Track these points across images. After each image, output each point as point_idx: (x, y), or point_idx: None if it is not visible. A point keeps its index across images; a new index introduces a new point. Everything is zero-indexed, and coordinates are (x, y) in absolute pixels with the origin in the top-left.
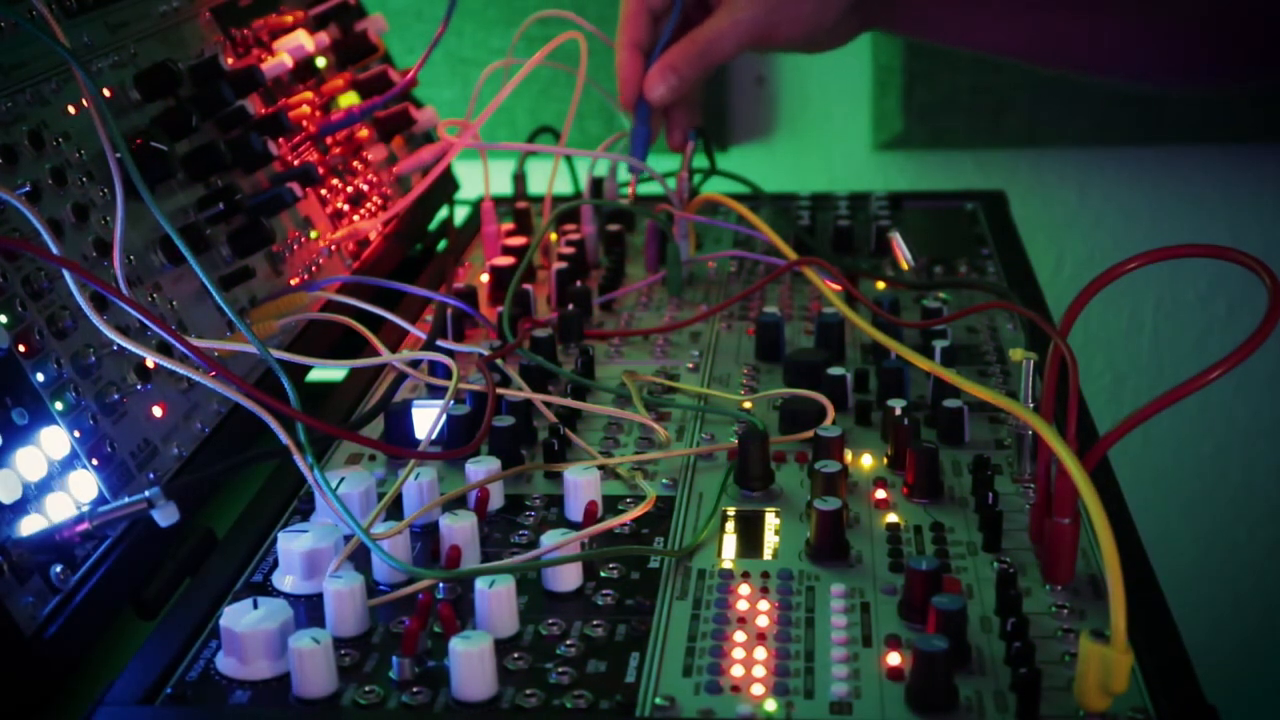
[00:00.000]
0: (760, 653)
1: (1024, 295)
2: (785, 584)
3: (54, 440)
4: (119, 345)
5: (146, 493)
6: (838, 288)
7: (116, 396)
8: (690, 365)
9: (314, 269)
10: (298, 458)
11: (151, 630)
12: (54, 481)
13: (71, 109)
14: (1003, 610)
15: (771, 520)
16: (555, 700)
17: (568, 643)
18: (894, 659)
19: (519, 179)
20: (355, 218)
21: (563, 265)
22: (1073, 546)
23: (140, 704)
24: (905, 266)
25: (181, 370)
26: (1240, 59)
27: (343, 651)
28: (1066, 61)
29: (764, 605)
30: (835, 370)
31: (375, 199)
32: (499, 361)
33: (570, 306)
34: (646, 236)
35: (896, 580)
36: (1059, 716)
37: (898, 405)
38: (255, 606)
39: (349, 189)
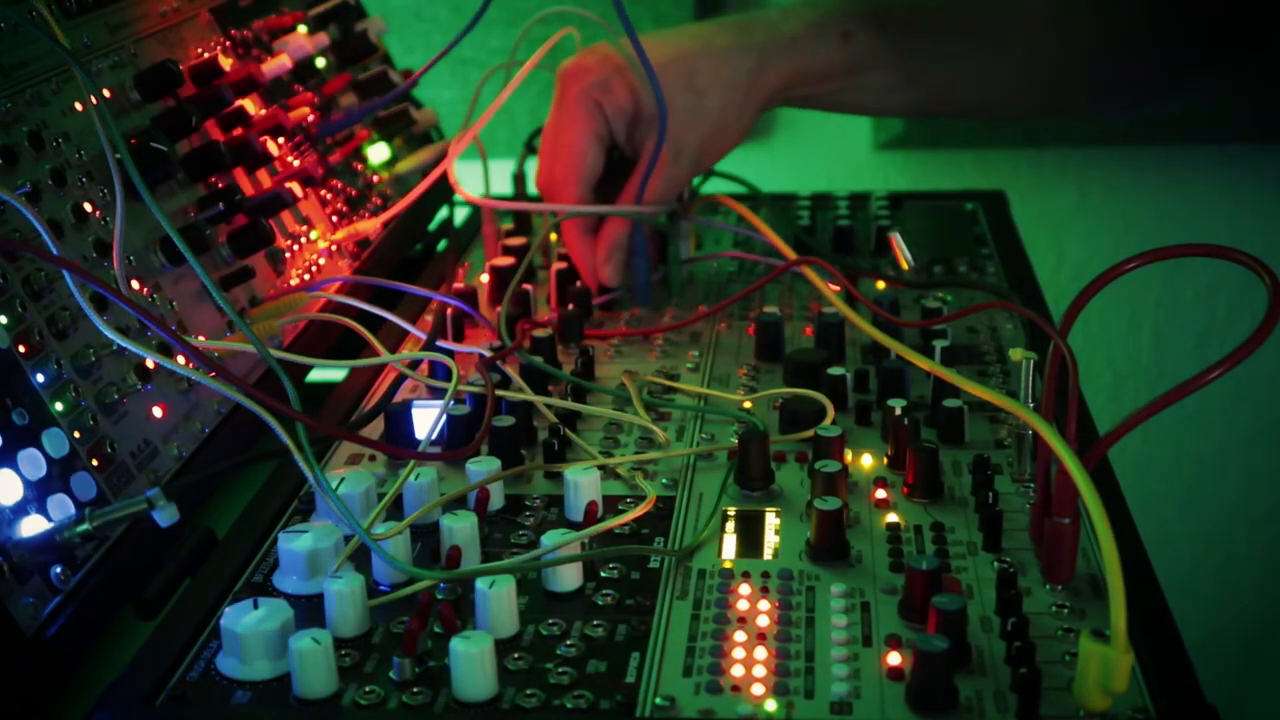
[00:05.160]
0: (760, 653)
1: (1024, 295)
2: (785, 584)
3: (54, 441)
4: (119, 346)
5: (147, 493)
6: (838, 288)
7: (116, 397)
8: (690, 365)
9: (314, 269)
10: (298, 458)
11: (151, 630)
12: (54, 482)
13: (72, 109)
14: (1003, 610)
15: (771, 520)
16: (555, 700)
17: (568, 643)
18: (894, 659)
19: (519, 179)
20: (355, 218)
21: (563, 265)
22: (1073, 546)
23: (140, 704)
24: (905, 266)
25: (181, 370)
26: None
27: (343, 652)
28: (942, 110)
29: (764, 605)
30: (835, 370)
31: (375, 199)
32: (499, 361)
33: (570, 306)
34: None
35: (896, 580)
36: (1059, 716)
37: (898, 405)
38: (255, 607)
39: (349, 189)
